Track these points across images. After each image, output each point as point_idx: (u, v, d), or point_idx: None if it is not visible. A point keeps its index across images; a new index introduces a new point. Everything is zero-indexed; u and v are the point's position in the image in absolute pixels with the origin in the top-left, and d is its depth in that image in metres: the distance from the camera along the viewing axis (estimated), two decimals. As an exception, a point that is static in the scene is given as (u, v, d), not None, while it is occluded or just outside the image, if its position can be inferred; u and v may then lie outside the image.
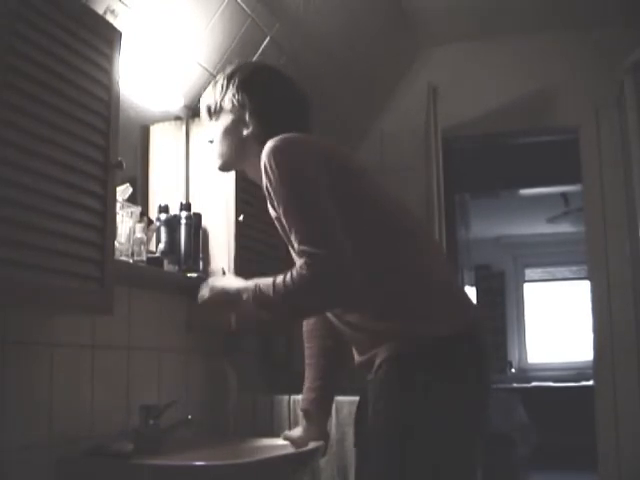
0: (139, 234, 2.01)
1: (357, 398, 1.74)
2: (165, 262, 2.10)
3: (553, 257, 7.94)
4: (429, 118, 3.23)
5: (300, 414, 1.79)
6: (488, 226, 7.04)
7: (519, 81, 3.47)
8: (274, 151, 1.46)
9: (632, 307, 3.20)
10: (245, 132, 1.62)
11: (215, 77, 1.74)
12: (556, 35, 3.42)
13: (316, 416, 1.73)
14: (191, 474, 1.62)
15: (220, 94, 1.66)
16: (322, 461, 2.26)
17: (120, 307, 1.91)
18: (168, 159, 2.39)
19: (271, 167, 1.44)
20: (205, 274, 2.27)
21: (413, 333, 1.43)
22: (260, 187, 1.52)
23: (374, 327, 1.48)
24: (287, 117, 1.62)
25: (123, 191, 1.97)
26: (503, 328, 7.95)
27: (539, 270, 8.26)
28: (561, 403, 6.64)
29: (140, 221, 2.04)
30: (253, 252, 2.38)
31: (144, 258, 2.02)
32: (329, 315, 1.59)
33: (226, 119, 1.65)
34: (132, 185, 2.06)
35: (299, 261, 1.39)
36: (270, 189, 1.46)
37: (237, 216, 2.28)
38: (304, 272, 1.37)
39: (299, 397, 1.74)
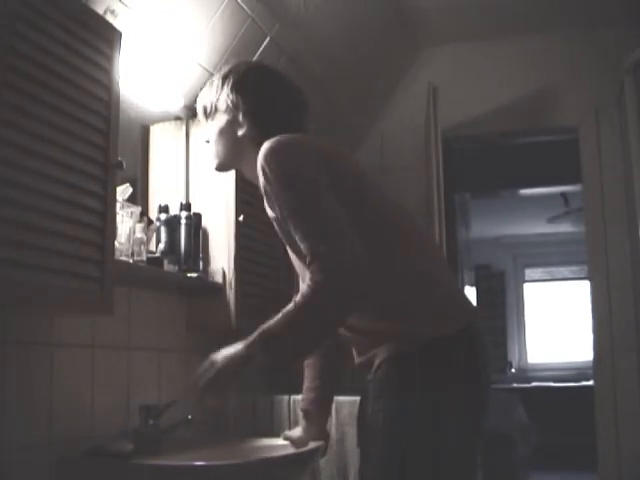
0: (139, 234, 2.01)
1: (357, 398, 1.74)
2: (165, 262, 2.10)
3: (553, 257, 7.94)
4: (429, 118, 3.23)
5: (300, 414, 1.79)
6: (488, 226, 7.05)
7: (519, 81, 3.47)
8: (270, 153, 1.45)
9: (632, 307, 3.20)
10: (240, 133, 1.62)
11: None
12: (556, 35, 3.42)
13: (316, 416, 1.73)
14: (191, 474, 1.63)
15: (215, 94, 1.66)
16: (322, 461, 2.26)
17: (120, 307, 1.92)
18: (168, 159, 2.39)
19: (269, 169, 1.44)
20: (205, 274, 2.27)
21: (412, 333, 1.43)
22: (259, 187, 1.52)
23: (374, 328, 1.48)
24: (281, 118, 1.61)
25: (123, 191, 1.97)
26: (503, 328, 7.96)
27: (539, 270, 8.26)
28: (561, 403, 6.65)
29: (140, 221, 2.04)
30: (253, 252, 2.38)
31: (144, 258, 2.02)
32: None
33: (221, 119, 1.65)
34: (132, 185, 2.06)
35: (309, 269, 1.35)
36: (269, 191, 1.45)
37: (237, 216, 2.28)
38: (318, 277, 1.33)
39: (299, 397, 1.74)
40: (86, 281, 1.57)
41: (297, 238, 1.40)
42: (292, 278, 1.78)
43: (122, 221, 1.92)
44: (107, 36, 1.67)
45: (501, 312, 8.00)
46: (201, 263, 2.24)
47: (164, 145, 2.40)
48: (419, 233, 1.59)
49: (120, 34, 1.71)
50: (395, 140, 3.57)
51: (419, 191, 3.25)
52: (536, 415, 5.03)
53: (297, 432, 1.76)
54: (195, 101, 1.75)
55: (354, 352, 1.56)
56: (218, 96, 1.65)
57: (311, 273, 1.34)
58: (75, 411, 1.84)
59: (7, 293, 1.38)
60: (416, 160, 3.40)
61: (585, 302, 5.73)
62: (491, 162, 4.73)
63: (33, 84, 1.45)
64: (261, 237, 2.36)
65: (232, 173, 2.18)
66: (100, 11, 1.80)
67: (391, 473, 1.40)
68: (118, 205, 1.85)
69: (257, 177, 1.49)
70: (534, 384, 7.38)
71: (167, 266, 2.11)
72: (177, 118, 2.40)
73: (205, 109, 1.68)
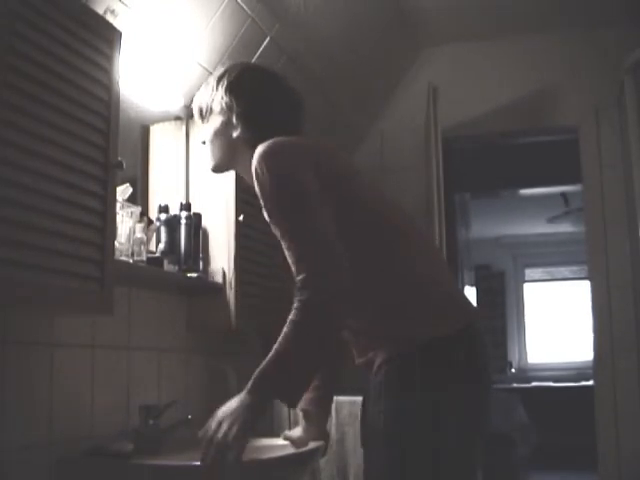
0: (139, 234, 2.01)
1: (357, 398, 1.74)
2: (165, 262, 2.10)
3: (553, 257, 7.95)
4: (429, 118, 3.23)
5: (300, 414, 1.79)
6: (488, 226, 7.05)
7: (519, 81, 3.47)
8: (263, 157, 1.45)
9: (632, 307, 3.20)
10: (234, 134, 1.62)
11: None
12: (556, 35, 3.42)
13: (315, 416, 1.73)
14: (191, 474, 1.62)
15: (210, 96, 1.66)
16: (322, 461, 2.27)
17: (120, 307, 1.92)
18: (168, 159, 2.39)
19: (262, 173, 1.44)
20: (205, 274, 2.27)
21: (412, 333, 1.43)
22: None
23: (373, 329, 1.48)
24: (276, 120, 1.61)
25: (123, 191, 1.97)
26: (503, 328, 7.96)
27: (539, 270, 8.27)
28: (561, 403, 6.65)
29: (140, 221, 2.04)
30: (253, 252, 2.38)
31: (144, 258, 2.01)
32: None
33: (216, 121, 1.65)
34: (132, 185, 2.06)
35: (295, 282, 1.37)
36: (261, 195, 1.46)
37: (237, 216, 2.28)
38: (303, 296, 1.35)
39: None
40: (86, 281, 1.57)
41: (284, 246, 1.41)
42: (291, 278, 1.78)
43: (122, 221, 1.92)
44: (107, 36, 1.67)
45: (501, 312, 8.00)
46: (201, 263, 2.24)
47: (164, 145, 2.40)
48: (418, 233, 1.59)
49: (120, 34, 1.71)
50: (395, 140, 3.57)
51: (419, 191, 3.25)
52: (536, 415, 5.03)
53: (297, 432, 1.76)
54: (192, 102, 1.75)
55: (354, 352, 1.56)
56: (213, 98, 1.65)
57: (297, 289, 1.36)
58: (75, 411, 1.84)
59: (7, 293, 1.38)
60: (416, 160, 3.40)
61: (585, 302, 5.73)
62: (491, 162, 4.73)
63: (33, 84, 1.45)
64: (261, 237, 2.36)
65: (232, 173, 2.17)
66: (100, 11, 1.80)
67: (392, 473, 1.40)
68: (118, 205, 1.85)
69: (252, 178, 1.49)
70: (534, 384, 7.38)
71: (167, 266, 2.11)
72: (177, 118, 2.40)
73: (200, 110, 1.68)
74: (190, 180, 2.39)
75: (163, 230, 2.18)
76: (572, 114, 3.43)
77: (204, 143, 1.69)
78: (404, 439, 1.39)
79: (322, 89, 3.07)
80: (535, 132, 3.71)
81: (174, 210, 2.25)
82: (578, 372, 7.11)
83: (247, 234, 2.33)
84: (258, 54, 2.57)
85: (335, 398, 1.85)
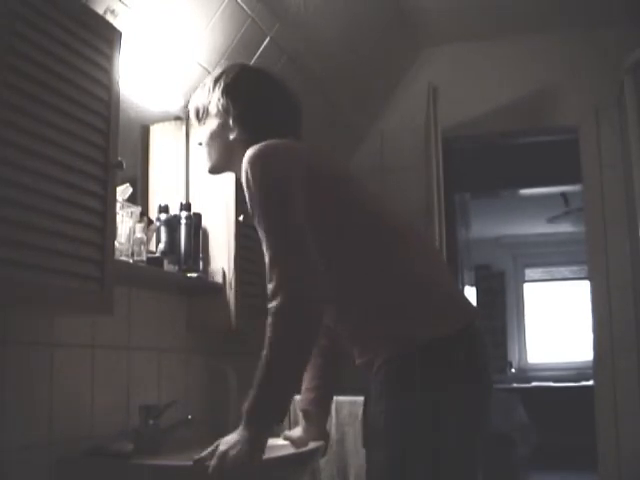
0: (139, 234, 2.01)
1: (357, 398, 1.74)
2: (165, 262, 2.10)
3: (553, 257, 7.95)
4: (429, 118, 3.23)
5: (300, 414, 1.79)
6: (488, 226, 7.05)
7: (519, 81, 3.47)
8: (252, 160, 1.46)
9: (632, 307, 3.20)
10: (231, 137, 1.62)
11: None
12: (556, 35, 3.42)
13: (315, 416, 1.73)
14: (191, 474, 1.62)
15: (207, 98, 1.66)
16: (322, 461, 2.26)
17: (120, 307, 1.92)
18: (168, 159, 2.39)
19: (249, 176, 1.45)
20: (205, 274, 2.27)
21: (412, 334, 1.43)
22: None
23: (373, 329, 1.48)
24: (273, 122, 1.61)
25: (123, 191, 1.97)
26: (503, 328, 7.96)
27: (539, 270, 8.27)
28: (561, 403, 6.65)
29: (140, 221, 2.04)
30: (253, 252, 2.37)
31: (144, 258, 2.01)
32: (328, 323, 1.60)
33: (212, 123, 1.65)
34: (132, 185, 2.06)
35: (271, 289, 1.40)
36: (247, 197, 1.47)
37: (237, 216, 2.28)
38: (278, 303, 1.37)
39: (298, 397, 1.74)
40: (86, 281, 1.57)
41: (264, 247, 1.43)
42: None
43: (122, 221, 1.92)
44: (107, 36, 1.67)
45: (501, 312, 8.00)
46: (201, 263, 2.24)
47: (164, 145, 2.40)
48: (417, 235, 1.59)
49: (120, 34, 1.71)
50: (395, 140, 3.57)
51: (419, 191, 3.26)
52: (536, 415, 5.03)
53: (297, 432, 1.76)
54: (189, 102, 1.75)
55: (354, 353, 1.56)
56: (209, 99, 1.65)
57: (268, 299, 1.38)
58: (75, 411, 1.84)
59: (7, 293, 1.38)
60: (416, 160, 3.40)
61: (585, 302, 5.73)
62: (491, 162, 4.74)
63: (33, 84, 1.45)
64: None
65: (232, 173, 2.18)
66: (100, 11, 1.80)
67: (393, 473, 1.40)
68: (118, 205, 1.85)
69: None
70: (534, 384, 7.38)
71: (167, 266, 2.11)
72: (177, 118, 2.40)
73: (197, 112, 1.68)
74: (190, 180, 2.39)
75: (163, 230, 2.18)
76: (572, 114, 3.43)
77: (200, 144, 1.70)
78: (404, 439, 1.39)
79: (322, 89, 3.07)
80: (535, 132, 3.71)
81: (174, 210, 2.25)
82: (578, 372, 7.11)
83: (247, 234, 2.33)
84: (258, 54, 2.57)
85: (335, 398, 1.85)
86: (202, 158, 1.70)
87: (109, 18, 1.82)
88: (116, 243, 1.80)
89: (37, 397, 1.72)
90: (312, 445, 1.73)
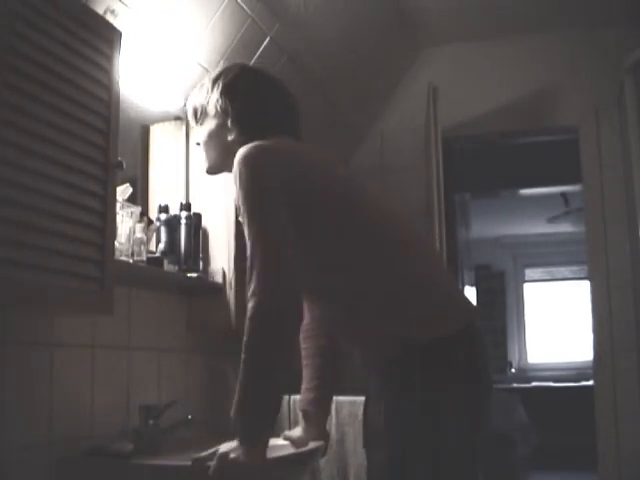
0: (139, 234, 2.01)
1: (357, 398, 1.74)
2: (165, 262, 2.10)
3: (553, 257, 7.95)
4: (429, 118, 3.23)
5: (300, 414, 1.79)
6: (488, 226, 7.05)
7: (519, 81, 3.47)
8: (240, 160, 1.46)
9: (632, 307, 3.20)
10: (229, 138, 1.62)
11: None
12: (556, 35, 3.42)
13: (315, 416, 1.73)
14: (191, 474, 1.62)
15: (205, 98, 1.65)
16: (322, 461, 2.26)
17: (120, 307, 1.92)
18: (168, 159, 2.39)
19: (237, 176, 1.46)
20: (205, 274, 2.27)
21: (412, 334, 1.43)
22: None
23: (373, 329, 1.48)
24: (270, 123, 1.61)
25: (123, 191, 1.97)
26: (503, 328, 7.96)
27: (539, 270, 8.27)
28: (561, 403, 6.65)
29: (140, 221, 2.04)
30: (253, 252, 2.37)
31: (144, 258, 2.02)
32: (327, 323, 1.60)
33: (210, 124, 1.65)
34: (132, 185, 2.06)
35: (249, 285, 1.43)
36: (236, 197, 1.47)
37: (237, 216, 2.28)
38: (253, 301, 1.40)
39: (299, 397, 1.74)
40: (86, 281, 1.57)
41: (247, 244, 1.45)
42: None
43: (122, 221, 1.92)
44: (107, 36, 1.67)
45: (501, 312, 8.00)
46: (201, 263, 2.24)
47: (164, 145, 2.40)
48: (417, 237, 1.59)
49: (120, 34, 1.71)
50: (395, 140, 3.57)
51: (419, 191, 3.26)
52: (536, 415, 5.02)
53: (297, 432, 1.76)
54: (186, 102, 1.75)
55: (354, 353, 1.56)
56: (208, 100, 1.65)
57: (250, 295, 1.41)
58: (75, 411, 1.84)
59: (7, 293, 1.38)
60: (416, 160, 3.40)
61: (585, 302, 5.73)
62: (491, 162, 4.73)
63: (33, 84, 1.44)
64: (261, 237, 2.35)
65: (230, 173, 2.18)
66: (100, 11, 1.80)
67: (393, 473, 1.40)
68: (118, 205, 1.85)
69: None
70: (534, 384, 7.38)
71: (167, 266, 2.11)
72: (177, 118, 2.40)
73: (195, 112, 1.68)
74: (190, 180, 2.39)
75: (163, 230, 2.18)
76: (572, 114, 3.43)
77: (198, 144, 1.70)
78: (404, 439, 1.39)
79: (322, 89, 3.07)
80: (535, 132, 3.71)
81: (174, 210, 2.25)
82: (578, 372, 7.10)
83: (247, 234, 2.33)
84: (258, 54, 2.57)
85: (335, 398, 1.85)
86: (200, 158, 1.70)
87: (109, 18, 1.82)
88: (116, 243, 1.80)
89: (37, 397, 1.72)
90: (312, 445, 1.73)
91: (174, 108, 2.35)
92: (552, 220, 6.86)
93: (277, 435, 1.72)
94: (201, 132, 1.68)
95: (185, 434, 1.99)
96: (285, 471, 1.71)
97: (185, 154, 2.39)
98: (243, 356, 1.40)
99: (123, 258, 1.91)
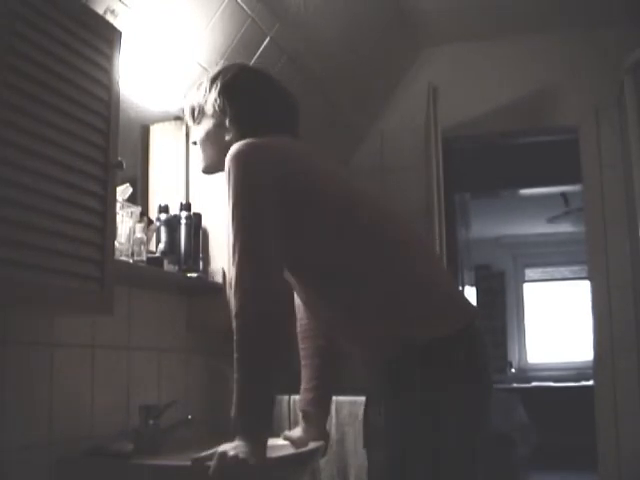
0: (139, 234, 2.01)
1: (357, 398, 1.74)
2: (165, 262, 2.10)
3: (553, 257, 7.95)
4: (429, 118, 3.23)
5: (300, 414, 1.79)
6: (488, 226, 7.05)
7: (519, 81, 3.47)
8: (231, 157, 1.46)
9: (632, 307, 3.20)
10: (227, 137, 1.62)
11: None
12: (556, 35, 3.42)
13: (315, 416, 1.73)
14: (191, 474, 1.62)
15: (203, 97, 1.65)
16: (322, 461, 2.26)
17: (120, 307, 1.92)
18: (168, 159, 2.39)
19: (227, 173, 1.46)
20: (205, 274, 2.27)
21: (412, 334, 1.43)
22: None
23: (373, 329, 1.48)
24: (269, 123, 1.60)
25: (123, 191, 1.97)
26: (503, 328, 7.96)
27: (539, 270, 8.27)
28: (561, 403, 6.65)
29: (140, 221, 2.04)
30: (253, 252, 2.37)
31: (144, 258, 2.02)
32: (327, 323, 1.60)
33: (208, 123, 1.65)
34: (132, 185, 2.06)
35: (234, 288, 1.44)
36: (227, 192, 1.47)
37: (237, 216, 2.27)
38: (237, 303, 1.43)
39: (299, 397, 1.74)
40: (86, 281, 1.57)
41: (230, 244, 1.44)
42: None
43: (122, 221, 1.92)
44: (107, 36, 1.67)
45: (501, 312, 8.00)
46: (201, 263, 2.24)
47: (164, 145, 2.40)
48: (417, 237, 1.59)
49: (120, 34, 1.71)
50: (395, 140, 3.57)
51: (419, 191, 3.26)
52: (536, 415, 5.03)
53: (297, 432, 1.76)
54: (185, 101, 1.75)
55: (354, 353, 1.56)
56: (206, 99, 1.64)
57: (234, 294, 1.43)
58: (75, 411, 1.84)
59: (7, 293, 1.38)
60: (416, 160, 3.40)
61: (585, 302, 5.73)
62: (491, 162, 4.73)
63: (33, 84, 1.44)
64: (261, 237, 2.35)
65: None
66: (100, 11, 1.80)
67: (393, 473, 1.40)
68: (118, 205, 1.85)
69: None
70: (534, 384, 7.38)
71: (167, 266, 2.11)
72: (177, 118, 2.40)
73: (193, 112, 1.68)
74: (190, 180, 2.39)
75: (163, 230, 2.18)
76: (572, 114, 3.43)
77: (195, 143, 1.70)
78: (404, 439, 1.39)
79: (322, 89, 3.07)
80: (535, 132, 3.71)
81: (174, 210, 2.25)
82: (578, 372, 7.11)
83: (247, 234, 2.33)
84: (258, 54, 2.57)
85: (335, 398, 1.85)
86: (197, 157, 1.70)
87: (109, 18, 1.82)
88: (116, 243, 1.80)
89: (37, 397, 1.72)
90: (312, 445, 1.73)
91: (174, 108, 2.34)
92: (552, 220, 6.86)
93: (277, 435, 1.72)
94: (198, 131, 1.68)
95: (185, 434, 1.99)
96: (285, 471, 1.71)
97: (185, 154, 2.39)
98: (235, 356, 1.43)
99: (123, 258, 1.91)
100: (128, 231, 1.95)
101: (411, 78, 3.60)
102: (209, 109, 1.64)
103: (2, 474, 1.58)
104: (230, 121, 1.61)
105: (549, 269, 8.18)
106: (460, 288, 4.10)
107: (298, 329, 1.75)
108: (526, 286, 8.26)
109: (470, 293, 4.53)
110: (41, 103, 1.46)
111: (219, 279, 2.27)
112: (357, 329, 1.51)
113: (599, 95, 3.37)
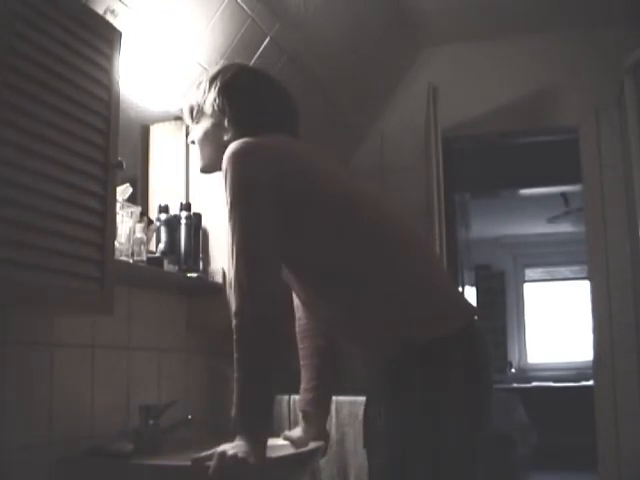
0: (139, 234, 2.01)
1: (357, 398, 1.74)
2: (165, 262, 2.10)
3: (553, 257, 7.95)
4: (429, 118, 3.23)
5: (300, 414, 1.79)
6: (488, 226, 7.05)
7: (519, 81, 3.47)
8: (228, 157, 1.46)
9: (632, 307, 3.20)
10: (225, 137, 1.61)
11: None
12: (556, 35, 3.42)
13: (314, 416, 1.73)
14: (191, 474, 1.62)
15: (202, 97, 1.65)
16: (322, 461, 2.26)
17: (120, 307, 1.92)
18: (168, 159, 2.39)
19: (224, 172, 1.46)
20: (205, 274, 2.27)
21: (412, 334, 1.43)
22: None
23: (373, 329, 1.48)
24: (268, 123, 1.60)
25: (123, 191, 1.97)
26: (503, 328, 7.96)
27: (539, 270, 8.27)
28: (561, 403, 6.65)
29: (140, 221, 2.04)
30: (253, 252, 2.37)
31: (144, 258, 2.02)
32: (327, 323, 1.60)
33: (207, 123, 1.65)
34: (132, 185, 2.06)
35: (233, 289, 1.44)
36: (225, 193, 1.47)
37: (237, 216, 2.27)
38: (237, 307, 1.43)
39: (298, 397, 1.74)
40: (86, 281, 1.57)
41: (229, 244, 1.44)
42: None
43: (122, 221, 1.92)
44: (107, 36, 1.67)
45: (501, 312, 8.00)
46: (201, 263, 2.24)
47: (164, 145, 2.40)
48: (417, 238, 1.59)
49: (120, 34, 1.71)
50: (395, 140, 3.57)
51: (419, 191, 3.26)
52: (536, 415, 5.02)
53: (297, 432, 1.76)
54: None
55: (354, 353, 1.56)
56: (205, 99, 1.64)
57: (234, 296, 1.44)
58: (75, 411, 1.84)
59: (7, 293, 1.38)
60: (416, 160, 3.40)
61: (585, 302, 5.72)
62: (491, 162, 4.73)
63: (33, 84, 1.44)
64: (261, 237, 2.35)
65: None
66: (100, 11, 1.80)
67: (393, 473, 1.40)
68: (118, 205, 1.85)
69: None
70: (534, 384, 7.38)
71: (167, 266, 2.11)
72: (177, 118, 2.40)
73: (191, 111, 1.68)
74: (190, 180, 2.39)
75: (163, 230, 2.18)
76: (572, 114, 3.43)
77: (193, 143, 1.69)
78: (405, 439, 1.39)
79: (322, 89, 3.07)
80: (535, 132, 3.71)
81: (174, 210, 2.25)
82: (578, 372, 7.10)
83: (247, 234, 2.33)
84: (258, 54, 2.57)
85: (335, 398, 1.85)
86: (195, 156, 1.70)
87: (109, 18, 1.82)
88: (116, 243, 1.80)
89: (37, 397, 1.72)
90: (312, 445, 1.73)
91: (174, 108, 2.34)
92: (552, 220, 6.86)
93: (277, 435, 1.72)
94: (197, 130, 1.68)
95: (185, 434, 1.99)
96: (285, 471, 1.71)
97: (185, 154, 2.39)
98: (235, 356, 1.44)
99: (123, 258, 1.91)
100: (128, 231, 1.95)
101: (411, 78, 3.60)
102: (208, 108, 1.64)
103: (2, 474, 1.58)
104: (229, 121, 1.61)
105: (549, 269, 8.18)
106: (460, 288, 4.10)
107: (297, 329, 1.75)
108: (526, 286, 8.26)
109: (470, 293, 4.53)
110: (41, 103, 1.46)
111: (219, 279, 2.27)
112: (357, 329, 1.51)
113: (599, 95, 3.37)
